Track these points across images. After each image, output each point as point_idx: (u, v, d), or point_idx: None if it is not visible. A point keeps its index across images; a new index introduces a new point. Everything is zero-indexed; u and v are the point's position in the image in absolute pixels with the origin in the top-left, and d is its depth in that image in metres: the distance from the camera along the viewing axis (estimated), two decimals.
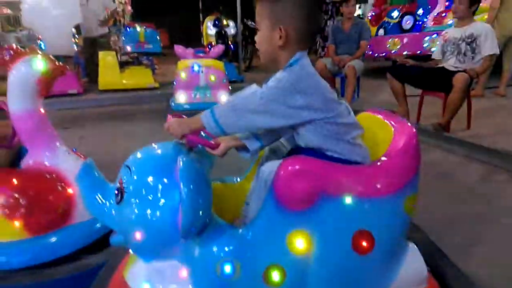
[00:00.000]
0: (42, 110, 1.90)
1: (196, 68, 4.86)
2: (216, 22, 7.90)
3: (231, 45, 8.05)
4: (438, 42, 4.03)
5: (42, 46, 6.84)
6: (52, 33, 6.95)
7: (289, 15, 1.28)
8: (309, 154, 1.28)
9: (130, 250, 1.32)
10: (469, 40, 3.67)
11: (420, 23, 7.64)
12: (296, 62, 1.29)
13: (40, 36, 7.07)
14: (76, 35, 7.79)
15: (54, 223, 1.81)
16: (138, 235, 1.18)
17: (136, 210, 1.18)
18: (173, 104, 4.94)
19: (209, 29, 8.30)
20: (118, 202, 1.21)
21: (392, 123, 1.39)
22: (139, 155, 1.29)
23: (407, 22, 7.97)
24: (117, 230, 1.25)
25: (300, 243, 1.21)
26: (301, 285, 1.24)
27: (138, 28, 7.04)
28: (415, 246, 1.35)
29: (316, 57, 8.36)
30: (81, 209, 1.86)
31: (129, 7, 9.53)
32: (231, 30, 8.12)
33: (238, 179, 1.61)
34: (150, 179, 1.20)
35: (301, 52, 1.31)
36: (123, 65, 7.25)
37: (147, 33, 7.03)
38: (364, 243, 1.22)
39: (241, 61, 7.90)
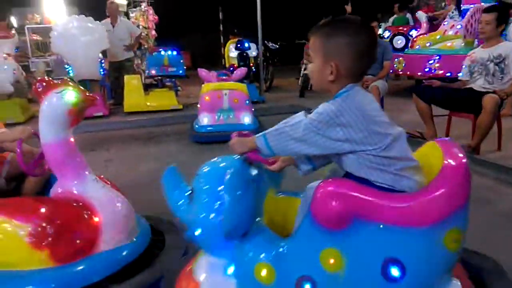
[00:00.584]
0: (72, 139, 1.93)
1: (220, 91, 4.91)
2: (239, 45, 8.00)
3: (253, 67, 8.12)
4: (464, 63, 3.95)
5: (70, 71, 7.03)
6: (80, 58, 7.12)
7: (341, 52, 1.30)
8: (356, 180, 1.31)
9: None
10: (497, 60, 3.59)
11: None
12: (342, 94, 1.31)
13: (68, 61, 7.28)
14: (103, 60, 8.01)
15: (80, 252, 1.82)
16: (197, 232, 1.42)
17: (197, 210, 1.42)
18: (197, 126, 4.98)
19: (231, 51, 8.42)
20: (189, 202, 1.47)
21: (443, 148, 1.36)
22: (207, 165, 1.55)
23: (399, 42, 8.81)
24: (187, 225, 1.47)
25: (332, 260, 1.28)
26: None
27: (163, 52, 7.19)
28: (459, 283, 1.30)
29: None
30: (107, 238, 1.87)
31: (153, 32, 9.76)
32: (252, 52, 8.20)
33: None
34: (208, 185, 1.44)
35: (352, 84, 1.33)
36: (147, 87, 7.40)
37: (171, 57, 7.17)
38: (394, 272, 1.22)
39: (262, 82, 7.95)
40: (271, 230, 1.46)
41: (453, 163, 1.26)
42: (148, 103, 6.76)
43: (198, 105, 5.03)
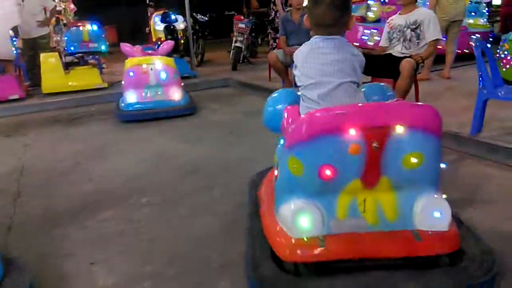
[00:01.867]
0: None
1: (145, 66, 4.68)
2: (165, 18, 7.66)
3: (182, 40, 7.85)
4: (384, 30, 4.09)
5: None
6: None
7: None
8: None
9: None
10: (414, 26, 3.75)
11: None
12: None
13: None
14: (15, 38, 7.31)
15: None
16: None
17: None
18: (122, 104, 4.74)
19: (157, 24, 8.04)
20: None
21: None
22: None
23: None
24: None
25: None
26: None
27: (81, 27, 6.69)
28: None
29: (268, 49, 8.33)
30: None
31: (72, 5, 9.04)
32: (179, 24, 7.89)
33: None
34: None
35: None
36: (68, 66, 6.88)
37: (91, 32, 6.70)
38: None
39: (193, 56, 7.72)
40: None
41: None
42: (70, 83, 6.28)
43: (123, 82, 4.78)
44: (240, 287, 1.72)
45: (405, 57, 3.70)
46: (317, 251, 1.52)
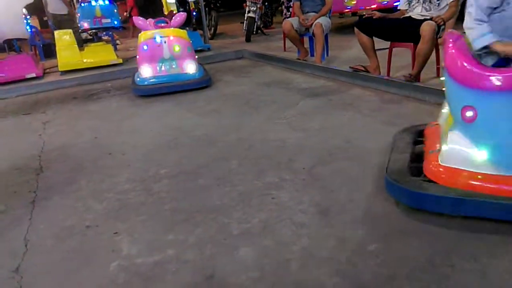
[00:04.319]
0: None
1: (158, 39, 4.65)
2: None
3: (194, 12, 7.73)
4: None
5: None
6: (3, 16, 6.47)
7: None
8: None
9: None
10: None
11: None
12: None
13: None
14: (28, 17, 7.33)
15: None
16: None
17: None
18: (138, 79, 4.74)
19: None
20: None
21: None
22: None
23: None
24: None
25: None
26: None
27: (93, 3, 6.65)
28: None
29: (282, 18, 8.16)
30: None
31: None
32: None
33: None
34: None
35: None
36: (83, 43, 6.89)
37: (103, 7, 6.65)
38: None
39: (206, 29, 7.62)
40: None
41: None
42: (85, 60, 6.31)
43: (137, 57, 4.75)
44: (261, 252, 1.73)
45: (425, 19, 3.56)
46: None
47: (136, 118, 3.93)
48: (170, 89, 4.59)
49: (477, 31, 2.01)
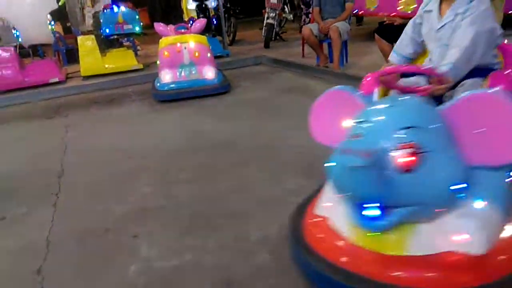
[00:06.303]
0: None
1: (179, 45, 4.70)
2: None
3: (213, 19, 7.80)
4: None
5: (18, 35, 6.57)
6: (28, 22, 6.65)
7: None
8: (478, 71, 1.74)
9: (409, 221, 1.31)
10: None
11: None
12: None
13: (15, 26, 6.79)
14: (53, 22, 7.50)
15: None
16: (453, 188, 1.23)
17: (444, 166, 1.22)
18: (158, 84, 4.79)
19: (189, 3, 8.02)
20: (412, 170, 1.18)
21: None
22: (412, 113, 1.32)
23: None
24: (410, 202, 1.22)
25: None
26: None
27: (116, 9, 6.77)
28: None
29: (301, 24, 8.16)
30: None
31: None
32: (211, 3, 7.83)
33: None
34: (441, 131, 1.27)
35: None
36: (106, 48, 7.01)
37: (125, 14, 6.76)
38: None
39: (225, 35, 7.66)
40: None
41: None
42: (107, 65, 6.43)
43: (158, 62, 4.81)
44: (280, 259, 1.72)
45: None
46: None
47: (156, 123, 3.98)
48: (190, 94, 4.62)
49: None
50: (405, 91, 1.63)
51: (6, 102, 5.48)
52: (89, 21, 8.02)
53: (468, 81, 1.75)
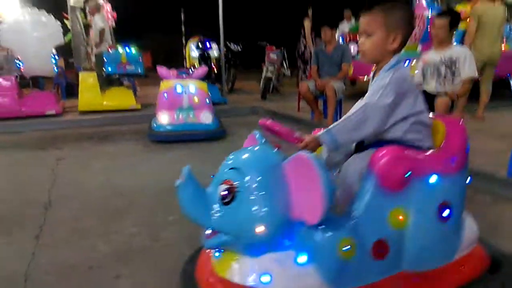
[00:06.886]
0: None
1: (179, 89, 4.81)
2: (199, 45, 7.91)
3: (214, 68, 8.06)
4: (417, 66, 4.08)
5: (20, 65, 6.70)
6: (32, 54, 6.82)
7: (401, 25, 1.63)
8: (388, 144, 1.58)
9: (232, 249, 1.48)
10: (449, 63, 3.73)
11: None
12: (395, 66, 1.63)
13: (19, 57, 6.93)
14: (56, 56, 7.67)
15: None
16: (258, 229, 1.35)
17: (254, 207, 1.36)
18: (154, 125, 4.85)
19: (192, 51, 8.31)
20: (228, 203, 1.39)
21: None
22: (244, 156, 1.49)
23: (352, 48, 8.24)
24: (226, 230, 1.40)
25: (399, 219, 1.48)
26: (399, 256, 1.50)
27: (120, 49, 6.98)
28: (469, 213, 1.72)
29: (298, 79, 8.43)
30: None
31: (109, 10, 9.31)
32: (214, 52, 8.12)
33: None
34: (263, 177, 1.39)
35: (397, 56, 1.66)
36: (106, 85, 7.13)
37: (128, 55, 6.96)
38: (445, 213, 1.54)
39: (224, 83, 7.89)
40: None
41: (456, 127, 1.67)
42: (105, 102, 6.52)
43: (157, 103, 4.90)
44: None
45: (439, 94, 3.66)
46: None
47: (150, 162, 3.98)
48: (185, 137, 4.67)
49: None
50: (282, 136, 1.74)
51: (1, 129, 5.47)
52: (93, 59, 8.22)
53: (367, 151, 1.65)
